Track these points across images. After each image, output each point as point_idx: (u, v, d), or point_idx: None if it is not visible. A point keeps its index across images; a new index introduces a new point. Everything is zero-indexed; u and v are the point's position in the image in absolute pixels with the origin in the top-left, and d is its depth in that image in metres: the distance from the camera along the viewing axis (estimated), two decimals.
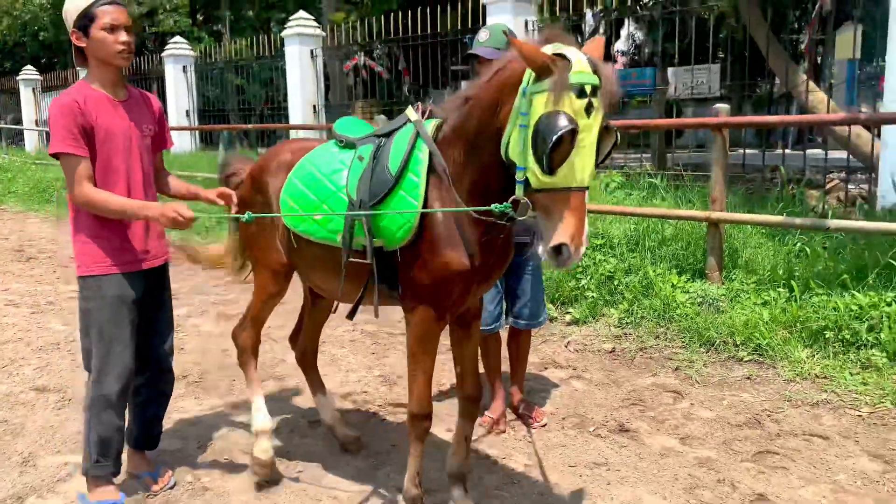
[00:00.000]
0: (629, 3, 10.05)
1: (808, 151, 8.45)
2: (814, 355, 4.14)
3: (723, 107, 5.16)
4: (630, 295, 5.06)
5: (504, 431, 3.52)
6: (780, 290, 4.68)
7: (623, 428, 3.53)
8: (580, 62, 2.01)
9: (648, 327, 4.79)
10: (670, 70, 12.93)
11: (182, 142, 15.41)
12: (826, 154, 7.18)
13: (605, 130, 2.06)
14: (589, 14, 10.77)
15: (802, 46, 15.35)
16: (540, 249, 2.15)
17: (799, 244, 5.21)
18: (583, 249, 2.05)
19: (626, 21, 11.88)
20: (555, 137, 1.96)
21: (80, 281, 2.75)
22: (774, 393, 3.85)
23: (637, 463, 3.19)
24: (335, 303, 3.15)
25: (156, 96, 3.03)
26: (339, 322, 4.27)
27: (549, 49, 2.06)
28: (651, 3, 9.45)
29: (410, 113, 2.61)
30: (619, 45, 12.92)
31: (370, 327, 5.22)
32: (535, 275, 3.57)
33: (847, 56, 12.25)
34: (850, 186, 7.34)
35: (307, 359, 3.50)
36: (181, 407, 3.86)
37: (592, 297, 5.18)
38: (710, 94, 11.48)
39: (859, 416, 3.56)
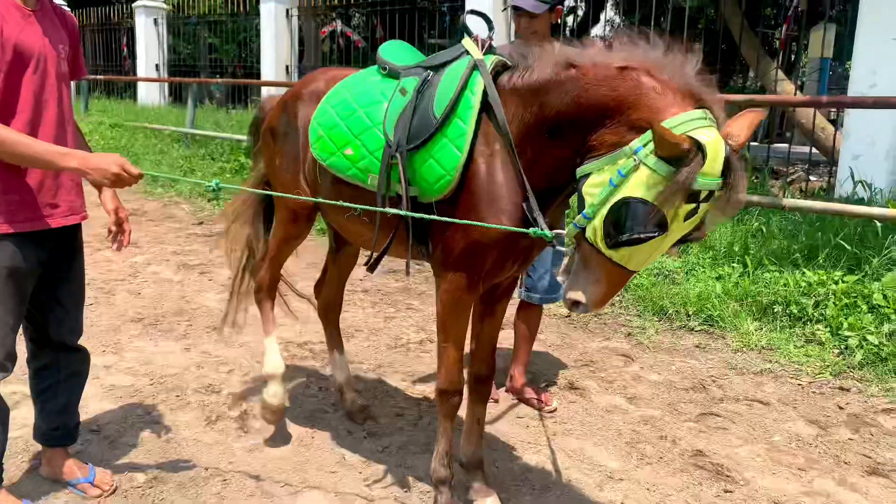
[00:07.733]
0: None
1: (774, 145, 8.63)
2: (762, 328, 4.26)
3: None
4: None
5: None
6: (735, 265, 4.80)
7: (573, 386, 3.61)
8: (715, 161, 1.65)
9: None
10: None
11: (151, 95, 15.13)
12: (790, 147, 7.36)
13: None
14: None
15: (778, 43, 15.57)
16: (561, 279, 1.96)
17: (757, 224, 5.33)
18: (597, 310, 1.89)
19: (605, 5, 11.89)
20: (634, 236, 1.73)
21: None
22: (721, 361, 3.97)
23: (584, 418, 3.27)
24: (360, 251, 2.92)
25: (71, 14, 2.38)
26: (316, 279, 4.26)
27: (690, 121, 1.68)
28: None
29: (469, 44, 2.20)
30: (597, 30, 12.94)
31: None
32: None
33: (819, 54, 12.46)
34: (811, 178, 7.51)
35: (329, 312, 3.21)
36: (135, 346, 3.85)
37: None
38: None
39: (800, 385, 3.68)
